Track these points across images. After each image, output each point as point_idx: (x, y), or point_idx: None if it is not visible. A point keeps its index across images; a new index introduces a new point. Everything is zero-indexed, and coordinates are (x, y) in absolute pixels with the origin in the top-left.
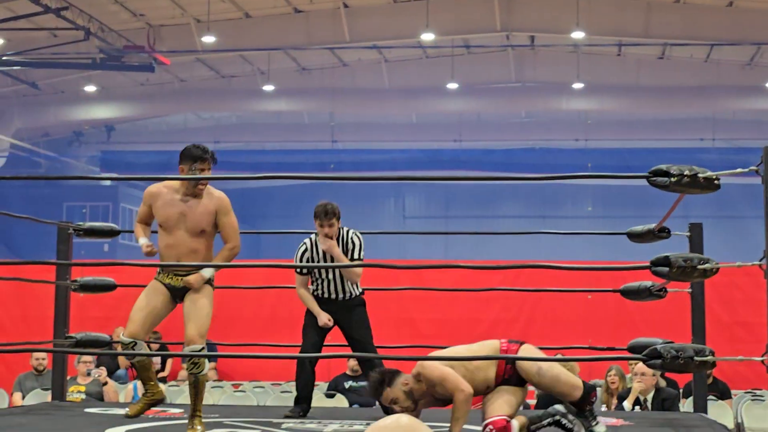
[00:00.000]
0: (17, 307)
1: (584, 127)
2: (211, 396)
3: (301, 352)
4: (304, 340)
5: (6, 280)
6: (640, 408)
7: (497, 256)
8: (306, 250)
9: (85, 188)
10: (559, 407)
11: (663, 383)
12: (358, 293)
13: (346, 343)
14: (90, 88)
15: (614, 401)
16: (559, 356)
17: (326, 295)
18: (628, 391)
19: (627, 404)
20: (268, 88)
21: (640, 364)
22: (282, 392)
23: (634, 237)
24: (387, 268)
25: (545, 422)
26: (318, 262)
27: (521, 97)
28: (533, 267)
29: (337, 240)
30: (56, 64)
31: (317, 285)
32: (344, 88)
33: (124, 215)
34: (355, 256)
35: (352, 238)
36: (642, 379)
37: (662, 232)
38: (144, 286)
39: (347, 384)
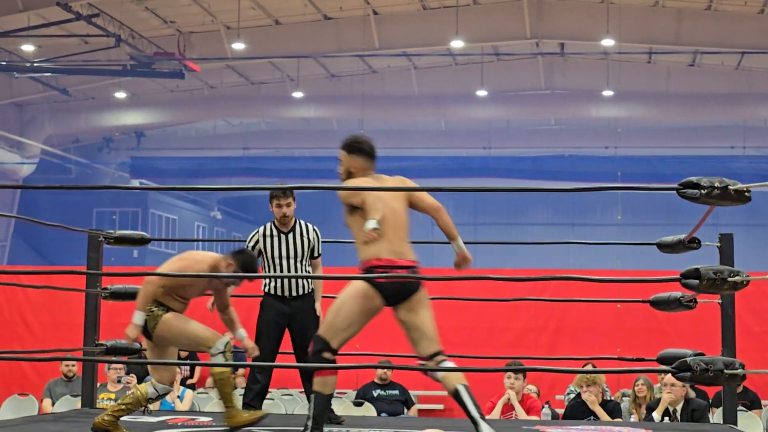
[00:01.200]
0: (47, 313)
1: (614, 135)
2: (238, 403)
3: (260, 356)
4: (261, 345)
5: (37, 288)
6: (669, 419)
7: (526, 264)
8: (257, 241)
9: (115, 194)
10: None
11: (693, 394)
12: (310, 290)
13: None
14: (120, 95)
15: (643, 411)
16: (589, 367)
17: (280, 292)
18: (657, 401)
19: (656, 415)
20: (298, 94)
21: (670, 374)
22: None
23: (665, 248)
24: (415, 279)
25: None
26: (271, 253)
27: (551, 105)
28: (562, 279)
29: (299, 231)
30: (87, 71)
31: (268, 280)
32: (373, 95)
33: (153, 221)
34: (321, 250)
35: (315, 230)
36: (672, 390)
37: (692, 243)
38: None
39: (375, 392)
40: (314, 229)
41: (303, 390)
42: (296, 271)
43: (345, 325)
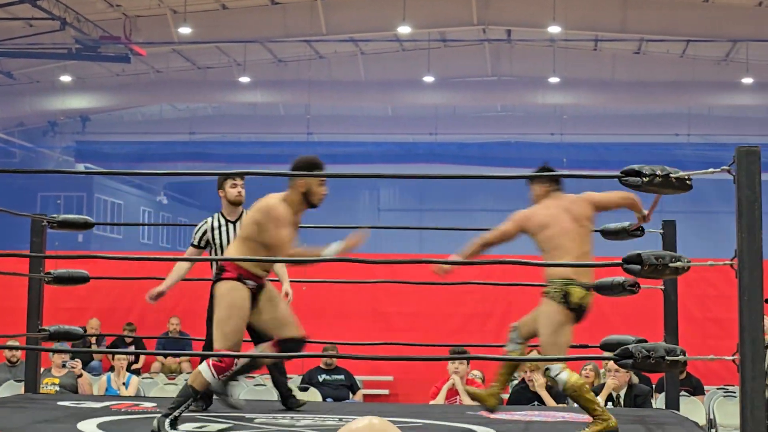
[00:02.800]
0: None
1: (560, 122)
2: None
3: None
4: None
5: None
6: (613, 404)
7: None
8: (205, 231)
9: (60, 179)
10: None
11: (636, 380)
12: None
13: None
14: (65, 78)
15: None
16: (534, 354)
17: None
18: (601, 386)
19: (600, 400)
20: (245, 79)
21: None
22: (256, 385)
23: (608, 234)
24: (361, 263)
25: None
26: (219, 242)
27: (497, 91)
28: (508, 263)
29: (240, 218)
30: (32, 54)
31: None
32: (320, 80)
33: (99, 206)
34: None
35: None
36: (615, 375)
37: (636, 230)
38: (118, 278)
39: (321, 377)
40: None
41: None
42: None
43: None
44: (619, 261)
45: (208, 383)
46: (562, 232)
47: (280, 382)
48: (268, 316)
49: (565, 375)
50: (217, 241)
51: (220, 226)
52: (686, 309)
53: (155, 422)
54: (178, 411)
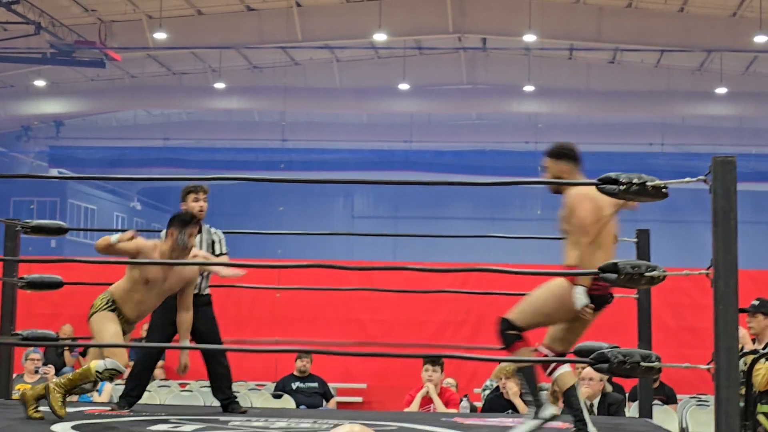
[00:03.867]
0: None
1: (535, 130)
2: (158, 395)
3: (150, 354)
4: (154, 338)
5: None
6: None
7: (446, 257)
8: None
9: (33, 184)
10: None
11: (609, 388)
12: (206, 292)
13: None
14: (40, 83)
15: (560, 405)
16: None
17: None
18: None
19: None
20: (220, 85)
21: (588, 369)
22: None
23: None
24: (335, 268)
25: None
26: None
27: (472, 99)
28: (483, 271)
29: (205, 234)
30: (6, 59)
31: None
32: (296, 87)
33: (72, 211)
34: (224, 249)
35: (216, 232)
36: (589, 384)
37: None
38: (92, 284)
39: (294, 385)
40: (216, 231)
41: (209, 384)
42: (199, 272)
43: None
44: (596, 270)
45: None
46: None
47: (219, 388)
48: None
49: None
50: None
51: None
52: (660, 318)
53: None
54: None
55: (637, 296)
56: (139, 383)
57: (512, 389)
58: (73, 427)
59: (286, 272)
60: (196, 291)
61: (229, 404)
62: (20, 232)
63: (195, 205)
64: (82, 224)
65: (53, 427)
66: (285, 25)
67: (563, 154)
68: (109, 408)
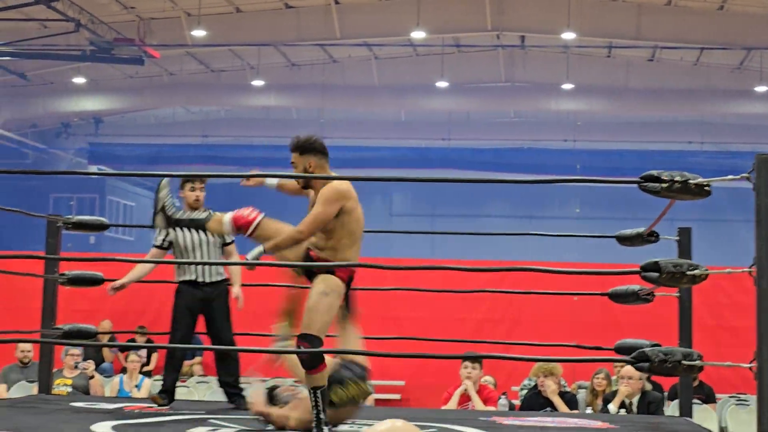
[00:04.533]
0: (2, 299)
1: (573, 128)
2: (196, 391)
3: (174, 342)
4: (177, 330)
5: None
6: (626, 411)
7: (484, 256)
8: (168, 233)
9: (73, 180)
10: None
11: (648, 387)
12: (223, 277)
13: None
14: (79, 80)
15: (599, 403)
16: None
17: (193, 277)
18: (614, 393)
19: (612, 407)
20: (258, 83)
21: (627, 367)
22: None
23: (624, 240)
24: (373, 268)
25: None
26: (183, 242)
27: (510, 97)
28: (520, 270)
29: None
30: (46, 56)
31: (187, 270)
32: (334, 84)
33: (111, 207)
34: (231, 238)
35: None
36: (628, 383)
37: (651, 236)
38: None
39: None
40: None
41: (218, 377)
42: (208, 258)
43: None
44: (637, 269)
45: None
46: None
47: (226, 382)
48: None
49: None
50: (180, 241)
51: (181, 228)
52: (699, 317)
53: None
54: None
55: (678, 295)
56: (171, 375)
57: (550, 387)
58: (114, 428)
59: None
60: (218, 278)
61: (236, 397)
62: (62, 228)
63: (191, 194)
64: (121, 221)
65: (93, 426)
66: (323, 23)
67: (309, 148)
68: (147, 404)
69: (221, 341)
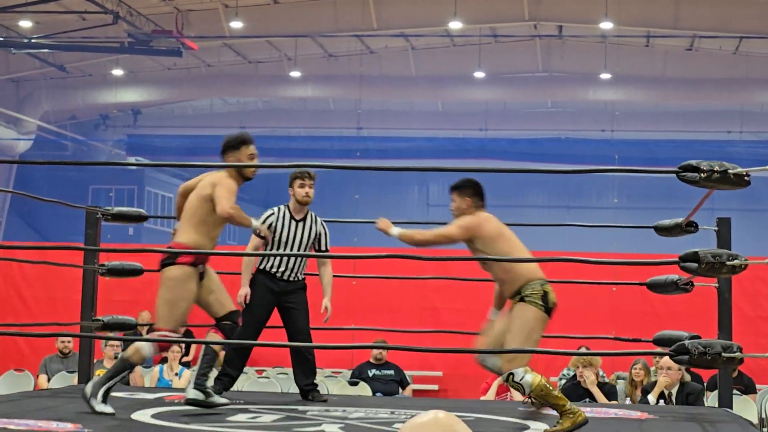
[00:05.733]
0: (43, 289)
1: (611, 118)
2: (236, 382)
3: (245, 334)
4: (250, 322)
5: (35, 263)
6: (665, 402)
7: None
8: (273, 214)
9: (111, 172)
10: None
11: (688, 377)
12: (303, 282)
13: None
14: (117, 72)
15: (638, 394)
16: (582, 349)
17: (280, 274)
18: (652, 384)
19: (651, 398)
20: (295, 74)
21: (666, 357)
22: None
23: (662, 231)
24: (412, 259)
25: None
26: (279, 236)
27: (548, 87)
28: (562, 260)
29: (310, 221)
30: (84, 48)
31: (273, 260)
32: (371, 75)
33: (150, 199)
34: (329, 245)
35: (323, 223)
36: (667, 373)
37: (690, 227)
38: None
39: (371, 372)
40: (322, 223)
41: (295, 376)
42: (298, 260)
43: None
44: (676, 259)
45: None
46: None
47: (303, 373)
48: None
49: (530, 377)
50: (278, 233)
51: (284, 218)
52: (738, 307)
53: (86, 389)
54: (109, 383)
55: (717, 285)
56: (235, 365)
57: (589, 378)
58: (153, 416)
59: (363, 260)
60: (296, 278)
61: (310, 391)
62: (101, 219)
63: (301, 190)
64: (159, 212)
65: (134, 415)
66: (360, 14)
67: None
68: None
69: (300, 339)
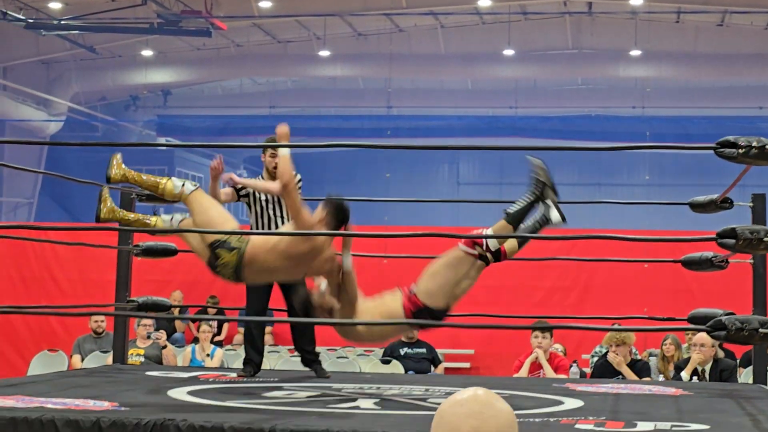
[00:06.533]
0: (76, 270)
1: (642, 95)
2: (267, 361)
3: (249, 314)
4: (251, 303)
5: (71, 245)
6: (698, 378)
7: None
8: (247, 193)
9: (142, 152)
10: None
11: (721, 354)
12: None
13: None
14: (147, 53)
15: (671, 370)
16: (616, 326)
17: None
18: (685, 361)
19: (685, 374)
20: (324, 53)
21: (700, 334)
22: (338, 358)
23: (697, 207)
24: (444, 237)
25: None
26: (258, 202)
27: (578, 64)
28: (594, 238)
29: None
30: (114, 29)
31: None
32: (400, 53)
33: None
34: None
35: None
36: (701, 350)
37: (725, 203)
38: None
39: (403, 350)
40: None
41: (293, 347)
42: (282, 222)
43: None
44: (713, 235)
45: None
46: None
47: (304, 349)
48: None
49: None
50: (257, 202)
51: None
52: None
53: None
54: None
55: (752, 261)
56: (255, 347)
57: (615, 359)
58: (189, 392)
59: (394, 239)
60: None
61: (313, 361)
62: (135, 200)
63: (270, 161)
64: None
65: (170, 392)
66: None
67: None
68: (221, 373)
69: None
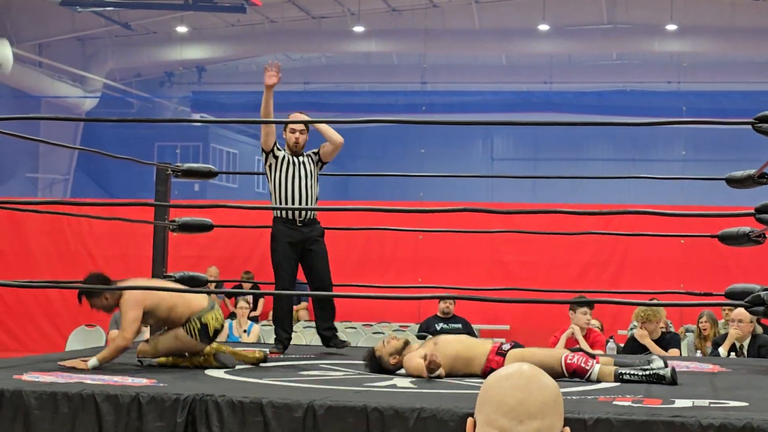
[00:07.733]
0: (112, 246)
1: (677, 69)
2: (303, 336)
3: (280, 289)
4: (283, 277)
5: (108, 219)
6: (736, 354)
7: (587, 199)
8: (272, 163)
9: (177, 128)
10: (656, 359)
11: (759, 330)
12: (315, 215)
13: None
14: (182, 29)
15: (708, 346)
16: (654, 300)
17: (291, 216)
18: (723, 337)
19: (722, 351)
20: (359, 29)
21: (737, 310)
22: (374, 333)
23: (734, 183)
24: (479, 212)
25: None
26: (294, 181)
27: (613, 39)
28: (631, 213)
29: (307, 155)
30: (149, 5)
31: (283, 198)
32: (435, 29)
33: (215, 155)
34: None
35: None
36: (739, 326)
37: (762, 178)
38: (238, 227)
39: (438, 326)
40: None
41: (315, 320)
42: (306, 193)
43: None
44: (752, 210)
45: None
46: None
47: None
48: None
49: None
50: (282, 172)
51: (284, 157)
52: None
53: None
54: None
55: None
56: (283, 325)
57: (640, 333)
58: (227, 371)
59: (429, 214)
60: (312, 215)
61: (331, 338)
62: (171, 175)
63: (290, 136)
64: (224, 168)
65: (208, 372)
66: None
67: None
68: (268, 351)
69: (321, 286)
